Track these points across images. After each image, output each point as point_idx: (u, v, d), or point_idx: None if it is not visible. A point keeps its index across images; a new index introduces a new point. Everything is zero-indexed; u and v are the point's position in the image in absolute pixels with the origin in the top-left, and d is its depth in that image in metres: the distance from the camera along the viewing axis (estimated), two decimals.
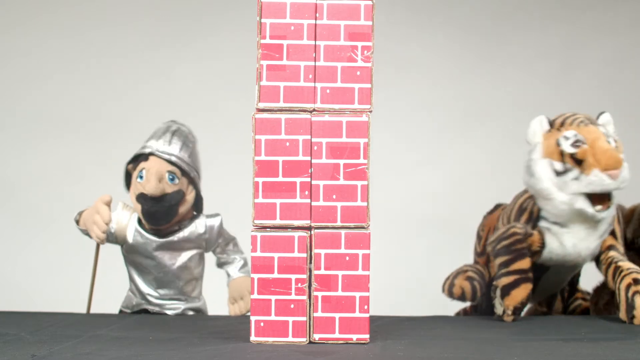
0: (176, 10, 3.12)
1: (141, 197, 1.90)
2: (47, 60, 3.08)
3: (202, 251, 1.99)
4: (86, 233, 1.94)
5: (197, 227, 1.96)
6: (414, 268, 3.01)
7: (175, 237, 1.94)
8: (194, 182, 1.96)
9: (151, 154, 1.93)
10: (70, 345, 1.46)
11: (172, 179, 1.92)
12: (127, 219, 1.94)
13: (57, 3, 3.10)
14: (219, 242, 1.99)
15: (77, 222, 1.94)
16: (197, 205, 1.99)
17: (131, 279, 1.98)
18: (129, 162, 1.97)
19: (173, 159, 1.93)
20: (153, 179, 1.89)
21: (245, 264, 2.01)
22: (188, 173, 1.94)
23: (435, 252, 3.06)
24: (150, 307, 1.96)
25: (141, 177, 1.91)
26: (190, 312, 1.97)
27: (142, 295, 1.96)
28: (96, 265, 1.97)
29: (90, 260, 1.99)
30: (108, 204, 1.89)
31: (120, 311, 2.00)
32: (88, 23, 3.09)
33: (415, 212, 3.09)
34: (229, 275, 2.00)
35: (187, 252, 1.95)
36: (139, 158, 1.95)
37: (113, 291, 2.02)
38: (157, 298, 1.96)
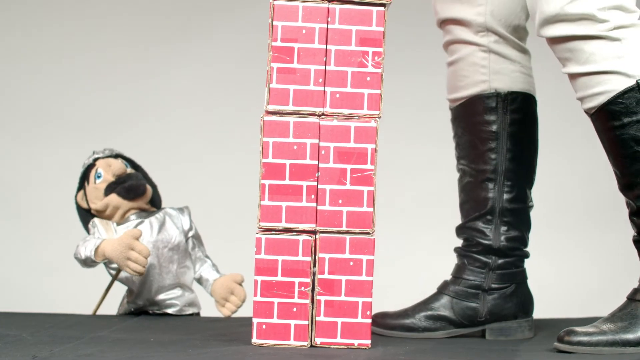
0: (176, 11, 3.11)
1: (112, 184, 1.92)
2: (47, 60, 3.07)
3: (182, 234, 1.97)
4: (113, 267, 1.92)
5: (170, 212, 1.97)
6: (416, 271, 3.00)
7: (159, 214, 1.95)
8: (145, 174, 2.01)
9: (96, 160, 1.97)
10: (72, 346, 1.46)
11: (126, 166, 1.97)
12: (111, 229, 1.92)
13: (57, 3, 3.10)
14: (191, 235, 1.97)
15: (95, 253, 1.85)
16: (155, 199, 2.01)
17: (129, 292, 1.97)
18: (77, 193, 1.99)
19: (115, 153, 2.00)
20: (113, 164, 1.94)
21: (217, 268, 2.00)
22: (134, 162, 2.00)
23: (439, 256, 3.05)
24: (150, 309, 1.95)
25: (99, 177, 1.94)
26: (189, 309, 1.96)
27: (143, 299, 1.95)
28: (115, 280, 1.94)
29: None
30: (138, 238, 1.84)
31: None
32: (88, 22, 3.09)
33: (418, 216, 3.09)
34: (207, 279, 1.98)
35: (173, 231, 1.94)
36: (83, 178, 1.97)
37: (117, 292, 2.01)
38: (155, 294, 1.94)
